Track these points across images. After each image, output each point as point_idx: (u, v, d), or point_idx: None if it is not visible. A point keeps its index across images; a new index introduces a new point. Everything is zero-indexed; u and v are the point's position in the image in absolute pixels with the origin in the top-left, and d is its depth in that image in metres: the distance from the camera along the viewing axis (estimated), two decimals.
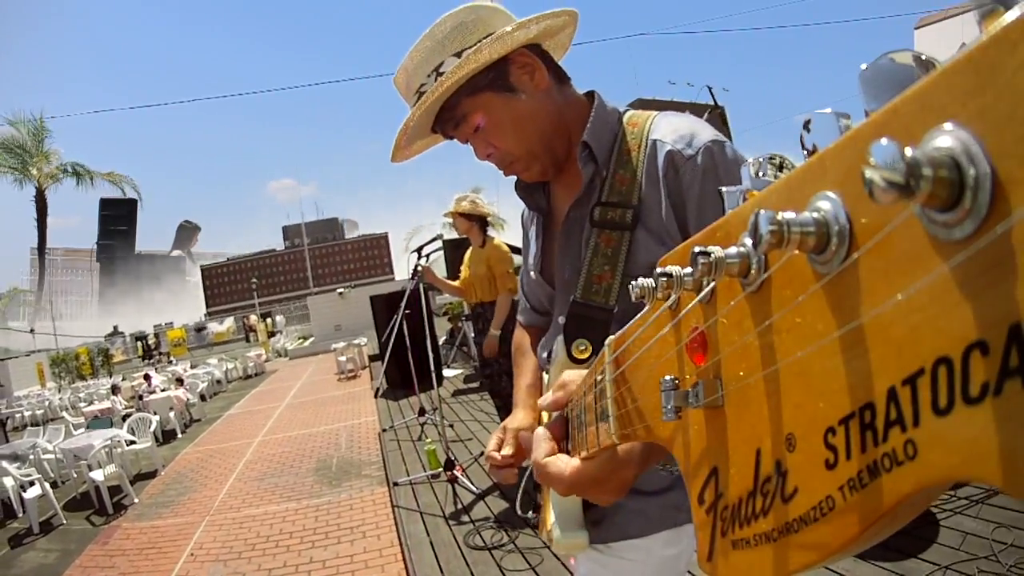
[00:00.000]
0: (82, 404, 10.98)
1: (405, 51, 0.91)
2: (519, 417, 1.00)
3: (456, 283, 3.97)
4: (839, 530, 0.20)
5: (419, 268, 3.81)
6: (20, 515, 5.12)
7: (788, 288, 0.22)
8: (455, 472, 3.68)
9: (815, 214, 0.20)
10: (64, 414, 10.01)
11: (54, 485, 5.69)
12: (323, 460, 5.42)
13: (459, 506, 3.53)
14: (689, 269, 0.28)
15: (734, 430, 0.27)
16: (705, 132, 0.83)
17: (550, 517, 0.90)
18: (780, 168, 0.36)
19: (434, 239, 4.14)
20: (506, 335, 3.55)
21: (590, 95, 0.95)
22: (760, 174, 0.35)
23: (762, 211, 0.20)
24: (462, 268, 3.92)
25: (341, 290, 13.75)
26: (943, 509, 2.37)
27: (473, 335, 4.13)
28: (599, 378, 0.47)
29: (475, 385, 6.97)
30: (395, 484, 4.19)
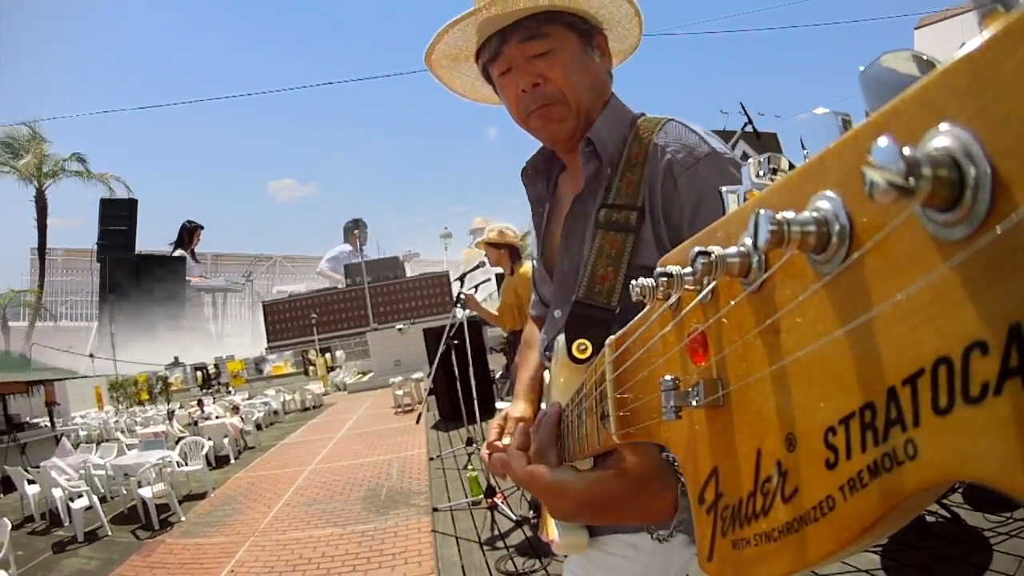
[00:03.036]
0: (138, 427, 11.13)
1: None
2: (520, 407, 1.01)
3: (495, 312, 3.98)
4: (840, 530, 0.20)
5: (462, 295, 3.80)
6: (66, 524, 5.20)
7: (788, 288, 0.22)
8: (495, 499, 3.70)
9: (815, 214, 0.20)
10: (119, 435, 10.23)
11: (103, 500, 5.80)
12: (373, 489, 5.45)
13: (496, 532, 3.56)
14: (689, 269, 0.28)
15: (735, 430, 0.27)
16: (706, 144, 0.84)
17: (550, 517, 0.90)
18: (776, 170, 0.36)
19: (477, 266, 4.02)
20: None
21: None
22: (760, 174, 0.35)
23: (762, 211, 0.20)
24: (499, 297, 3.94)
25: (400, 326, 13.86)
26: (997, 532, 2.22)
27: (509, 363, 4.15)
28: (599, 378, 0.47)
29: None
30: (435, 509, 4.24)
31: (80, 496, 5.18)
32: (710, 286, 0.28)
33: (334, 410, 13.31)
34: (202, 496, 6.02)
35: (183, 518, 5.21)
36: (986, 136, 0.14)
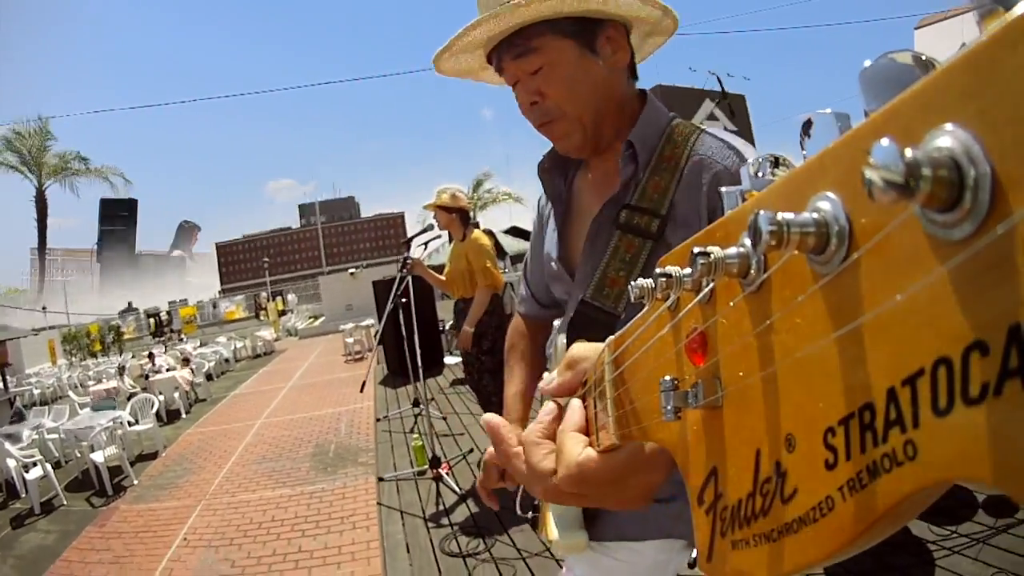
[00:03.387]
0: (90, 382, 11.03)
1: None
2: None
3: (443, 277, 3.90)
4: (839, 531, 0.20)
5: (408, 260, 3.71)
6: (23, 495, 5.14)
7: (787, 288, 0.22)
8: (440, 470, 3.67)
9: (814, 214, 0.20)
10: (71, 393, 10.01)
11: (57, 465, 5.70)
12: (321, 445, 5.43)
13: (441, 507, 3.52)
14: (688, 269, 0.28)
15: (733, 431, 0.27)
16: (750, 150, 0.84)
17: (549, 516, 0.90)
18: (777, 166, 0.36)
19: (425, 229, 3.92)
20: (483, 331, 3.51)
21: (642, 93, 0.93)
22: (759, 174, 0.35)
23: (761, 211, 0.20)
24: (446, 263, 3.84)
25: (352, 270, 13.75)
26: (941, 547, 2.22)
27: (458, 330, 4.04)
28: (598, 378, 0.47)
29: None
30: (380, 479, 4.17)
31: (35, 465, 5.09)
32: (709, 287, 0.28)
33: (285, 357, 13.20)
34: (154, 456, 5.96)
35: (136, 481, 5.16)
36: (986, 136, 0.14)
